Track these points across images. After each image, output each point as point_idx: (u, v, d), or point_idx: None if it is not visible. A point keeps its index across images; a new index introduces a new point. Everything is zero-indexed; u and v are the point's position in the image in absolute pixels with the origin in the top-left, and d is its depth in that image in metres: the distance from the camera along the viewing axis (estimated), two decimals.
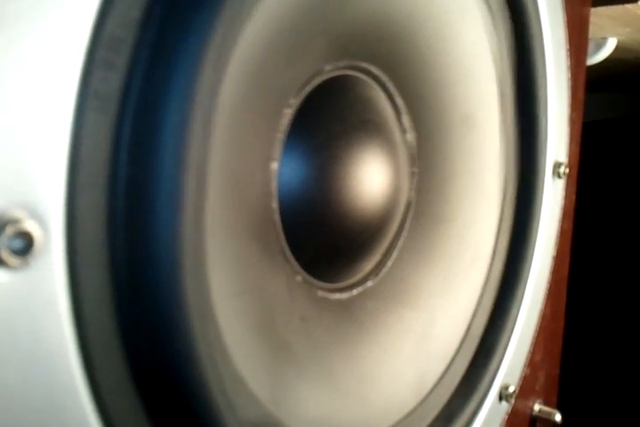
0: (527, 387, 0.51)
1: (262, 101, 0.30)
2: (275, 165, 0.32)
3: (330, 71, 0.35)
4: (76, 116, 0.20)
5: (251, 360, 0.28)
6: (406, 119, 0.39)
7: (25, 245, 0.18)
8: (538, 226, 0.46)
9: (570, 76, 0.50)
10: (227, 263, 0.28)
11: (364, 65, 0.36)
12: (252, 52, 0.27)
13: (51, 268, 0.19)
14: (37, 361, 0.19)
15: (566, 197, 0.52)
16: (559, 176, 0.49)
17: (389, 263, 0.41)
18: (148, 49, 0.21)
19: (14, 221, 0.18)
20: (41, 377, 0.20)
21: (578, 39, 0.53)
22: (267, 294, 0.31)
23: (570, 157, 0.51)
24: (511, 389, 0.45)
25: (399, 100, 0.39)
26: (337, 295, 0.37)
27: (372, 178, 0.36)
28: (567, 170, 0.50)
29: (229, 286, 0.28)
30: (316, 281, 0.36)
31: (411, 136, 0.40)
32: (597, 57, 0.79)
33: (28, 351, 0.19)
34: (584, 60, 0.55)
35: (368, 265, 0.39)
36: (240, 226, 0.29)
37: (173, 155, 0.21)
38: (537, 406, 0.52)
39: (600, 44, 0.77)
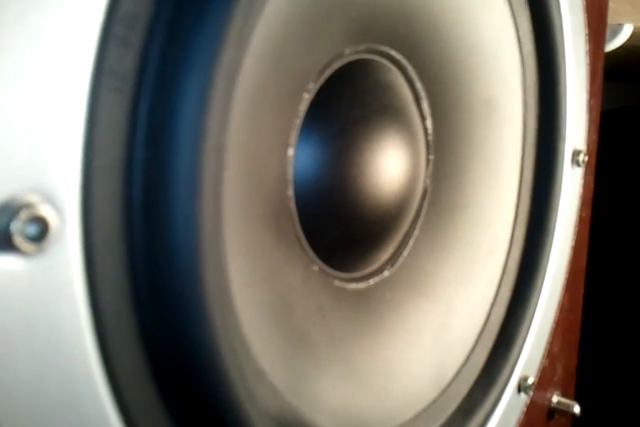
0: (545, 379, 0.50)
1: (281, 85, 0.30)
2: (291, 151, 0.31)
3: (349, 55, 0.34)
4: (91, 97, 0.19)
5: (269, 351, 0.27)
6: (426, 105, 0.38)
7: (40, 231, 0.18)
8: (557, 214, 0.45)
9: (588, 61, 0.49)
10: (243, 251, 0.27)
11: (384, 49, 0.35)
12: (271, 34, 0.26)
13: (66, 254, 0.18)
14: (53, 351, 0.19)
15: (584, 186, 0.51)
16: (578, 164, 0.48)
17: (406, 252, 0.40)
18: (164, 26, 0.20)
19: (28, 206, 0.17)
20: (57, 367, 0.19)
21: (596, 24, 0.51)
22: (283, 283, 0.30)
23: (588, 144, 0.50)
24: (530, 380, 0.45)
25: (419, 85, 0.38)
26: (354, 285, 0.36)
27: (390, 165, 0.35)
28: (586, 158, 0.49)
29: (246, 275, 0.27)
30: (332, 271, 0.35)
31: (429, 122, 0.39)
32: (613, 44, 0.77)
33: (44, 341, 0.19)
34: (602, 45, 0.54)
35: (384, 254, 0.39)
36: (255, 213, 0.28)
37: (192, 137, 0.20)
38: (555, 398, 0.51)
39: (616, 31, 0.76)
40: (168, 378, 0.22)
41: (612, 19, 0.71)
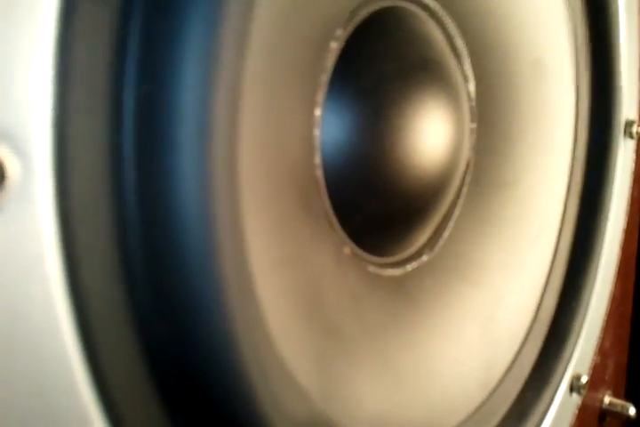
0: (596, 377, 0.45)
1: (305, 30, 0.25)
2: (318, 112, 0.26)
3: (380, 0, 0.29)
4: (63, 12, 0.14)
5: (297, 346, 0.22)
6: (467, 65, 0.33)
7: None
8: (612, 191, 0.40)
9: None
10: (264, 225, 0.22)
11: None
12: None
13: (33, 214, 0.14)
14: (19, 345, 0.14)
15: (636, 161, 0.46)
16: (631, 136, 0.43)
17: (446, 235, 0.35)
18: None
19: None
20: (25, 370, 0.14)
21: None
22: (311, 267, 0.25)
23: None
24: (584, 379, 0.40)
25: (459, 42, 0.33)
26: (389, 271, 0.31)
27: (431, 130, 0.30)
28: (639, 129, 0.44)
29: (269, 256, 0.22)
30: (365, 254, 0.30)
31: (472, 85, 0.34)
32: None
33: (6, 332, 0.14)
34: None
35: (422, 237, 0.34)
36: (277, 181, 0.24)
37: (201, 69, 0.15)
38: (607, 399, 0.46)
39: None
40: (171, 382, 0.17)
41: None
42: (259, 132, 0.22)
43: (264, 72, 0.22)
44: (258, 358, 0.19)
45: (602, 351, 0.45)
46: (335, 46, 0.26)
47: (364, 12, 0.28)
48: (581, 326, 0.39)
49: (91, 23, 0.15)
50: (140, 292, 0.16)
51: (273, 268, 0.22)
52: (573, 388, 0.39)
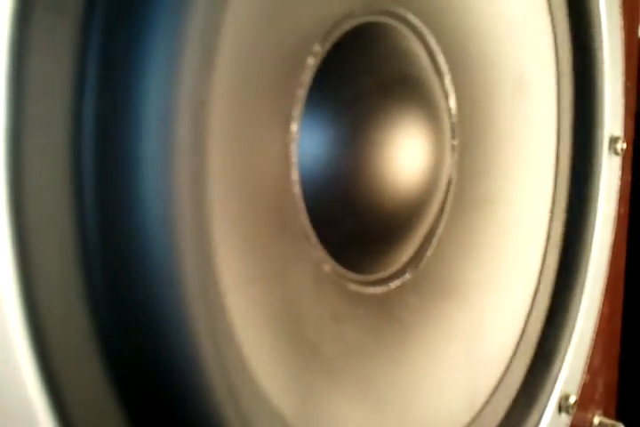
0: (585, 396, 0.44)
1: (280, 45, 0.24)
2: (295, 127, 0.26)
3: (361, 16, 0.28)
4: (16, 22, 0.14)
5: (273, 367, 0.22)
6: (448, 81, 0.33)
7: None
8: (596, 208, 0.40)
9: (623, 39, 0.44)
10: (237, 243, 0.21)
11: (401, 11, 0.30)
12: None
13: None
14: None
15: (622, 178, 0.45)
16: (616, 152, 0.43)
17: (429, 252, 0.34)
18: None
19: None
20: None
21: (630, 2, 0.46)
22: (289, 285, 0.25)
23: (624, 132, 0.45)
24: (572, 399, 0.39)
25: (440, 58, 0.33)
26: (372, 289, 0.30)
27: (409, 147, 0.30)
28: (624, 145, 0.43)
29: (243, 274, 0.21)
30: (346, 272, 0.29)
31: (453, 101, 0.34)
32: None
33: None
34: (636, 24, 0.49)
35: (405, 254, 0.33)
36: (252, 198, 0.23)
37: (163, 82, 0.15)
38: (597, 419, 0.45)
39: None
40: (137, 402, 0.16)
41: None
42: (230, 146, 0.22)
43: (236, 86, 0.22)
44: (228, 380, 0.18)
45: (591, 370, 0.44)
46: (312, 62, 0.26)
47: (343, 28, 0.28)
48: (569, 345, 0.38)
49: (46, 33, 0.14)
50: (103, 311, 0.16)
51: (246, 286, 0.21)
52: (562, 408, 0.39)
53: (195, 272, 0.16)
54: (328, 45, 0.27)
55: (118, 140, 0.15)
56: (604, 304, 0.45)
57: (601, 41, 0.39)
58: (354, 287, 0.29)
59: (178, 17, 0.15)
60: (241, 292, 0.21)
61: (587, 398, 0.45)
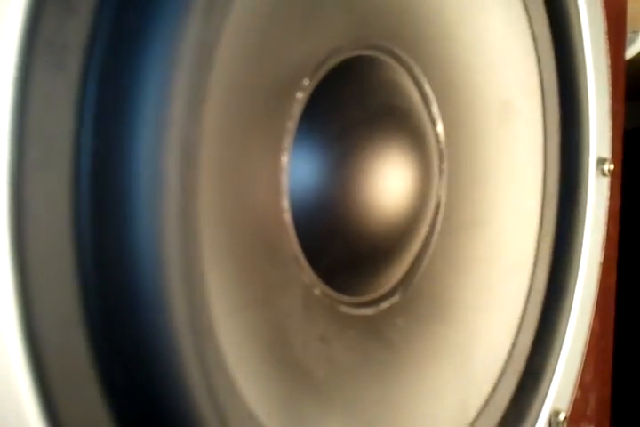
0: (577, 412, 0.45)
1: (270, 82, 0.26)
2: (285, 158, 0.27)
3: (349, 50, 0.30)
4: (20, 75, 0.15)
5: (263, 391, 0.23)
6: (436, 109, 0.34)
7: None
8: (584, 228, 0.41)
9: (609, 63, 0.45)
10: (227, 271, 0.23)
11: (388, 45, 0.31)
12: (256, 15, 0.23)
13: None
14: None
15: (611, 198, 0.47)
16: (604, 174, 0.44)
17: (419, 274, 0.35)
18: None
19: None
20: None
21: (615, 24, 0.48)
22: (279, 309, 0.26)
23: (613, 153, 0.46)
24: (562, 415, 0.40)
25: (427, 87, 0.34)
26: (361, 311, 0.32)
27: (396, 175, 0.31)
28: (612, 166, 0.44)
29: (233, 300, 0.23)
30: (336, 294, 0.30)
31: (441, 128, 0.35)
32: (627, 53, 0.74)
33: None
34: (623, 47, 0.50)
35: (395, 276, 0.34)
36: (244, 227, 0.24)
37: (153, 127, 0.16)
38: None
39: (631, 39, 0.72)
40: None
41: (629, 26, 0.68)
42: (221, 179, 0.23)
43: (227, 123, 0.23)
44: (218, 405, 0.19)
45: (583, 386, 0.45)
46: (301, 96, 0.27)
47: (331, 62, 0.29)
48: (558, 363, 0.39)
49: (49, 86, 0.16)
50: (99, 339, 0.17)
51: (236, 313, 0.22)
52: (552, 424, 0.40)
53: (184, 303, 0.17)
54: (317, 80, 0.28)
55: (110, 184, 0.16)
56: (595, 321, 0.46)
57: (584, 66, 0.41)
58: (344, 309, 0.30)
59: (166, 70, 0.16)
60: (231, 318, 0.22)
61: (579, 414, 0.46)
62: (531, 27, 0.38)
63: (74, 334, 0.16)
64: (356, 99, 0.30)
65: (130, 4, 0.16)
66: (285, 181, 0.27)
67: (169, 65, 0.17)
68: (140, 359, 0.17)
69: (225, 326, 0.21)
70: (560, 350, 0.39)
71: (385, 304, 0.33)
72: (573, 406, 0.44)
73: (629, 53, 0.73)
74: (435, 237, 0.36)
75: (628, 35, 0.69)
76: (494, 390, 0.35)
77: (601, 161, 0.44)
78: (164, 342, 0.17)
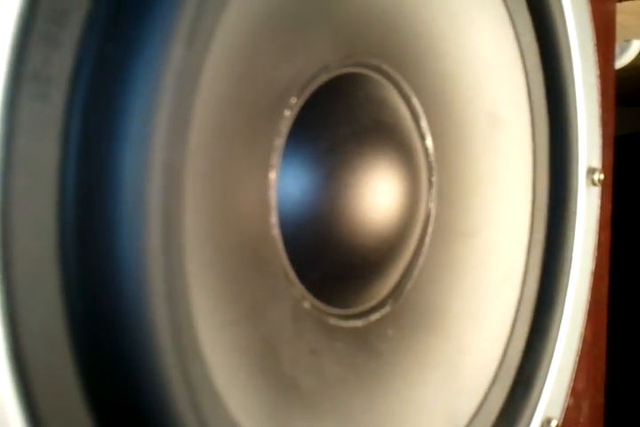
0: (570, 419, 0.45)
1: (257, 101, 0.26)
2: (273, 174, 0.27)
3: (336, 68, 0.30)
4: (6, 107, 0.16)
5: (250, 403, 0.23)
6: (424, 123, 0.35)
7: None
8: (573, 237, 0.41)
9: (598, 72, 0.46)
10: (216, 288, 0.23)
11: (375, 62, 0.32)
12: (241, 39, 0.23)
13: None
14: None
15: (602, 207, 0.47)
16: (594, 183, 0.45)
17: (409, 285, 0.36)
18: (102, 23, 0.17)
19: None
20: None
21: (604, 33, 0.48)
22: (267, 323, 0.26)
23: (603, 162, 0.47)
24: (554, 423, 0.40)
25: (415, 102, 0.35)
26: (351, 323, 0.32)
27: (385, 187, 0.32)
28: (602, 176, 0.45)
29: (220, 316, 0.23)
30: (326, 307, 0.31)
31: (430, 142, 0.36)
32: (620, 62, 0.74)
33: None
34: (612, 55, 0.50)
35: (385, 287, 0.35)
36: (232, 243, 0.25)
37: (135, 151, 0.17)
38: None
39: (624, 48, 0.73)
40: None
41: (618, 35, 0.69)
42: (209, 198, 0.24)
43: (213, 142, 0.24)
44: (202, 415, 0.20)
45: (575, 393, 0.46)
46: (289, 113, 0.28)
47: (318, 81, 0.29)
48: (549, 370, 0.40)
49: (35, 117, 0.16)
50: (85, 359, 0.18)
51: (224, 328, 0.23)
52: None
53: (167, 321, 0.18)
54: (304, 97, 0.29)
55: (96, 210, 0.17)
56: (587, 328, 0.47)
57: (572, 77, 0.41)
58: (333, 322, 0.31)
59: (148, 99, 0.17)
60: (219, 333, 0.23)
61: (572, 422, 0.46)
62: (517, 39, 0.39)
63: (60, 353, 0.17)
64: (343, 115, 0.30)
65: (114, 35, 0.17)
66: (274, 197, 0.28)
67: (151, 94, 0.17)
68: (125, 375, 0.18)
69: (212, 341, 0.22)
70: (551, 358, 0.40)
71: (375, 316, 0.33)
72: (566, 414, 0.44)
73: (622, 61, 0.74)
74: (425, 249, 0.37)
75: (621, 43, 0.70)
76: (484, 399, 0.36)
77: (591, 171, 0.45)
78: (147, 360, 0.17)
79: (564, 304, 0.41)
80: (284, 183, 0.28)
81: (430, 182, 0.36)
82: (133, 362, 0.17)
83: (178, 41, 0.17)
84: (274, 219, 0.28)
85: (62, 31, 0.16)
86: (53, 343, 0.17)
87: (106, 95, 0.17)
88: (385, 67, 0.33)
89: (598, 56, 0.47)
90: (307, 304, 0.29)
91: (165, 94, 0.18)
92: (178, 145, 0.19)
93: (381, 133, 0.32)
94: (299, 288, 0.29)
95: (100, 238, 0.17)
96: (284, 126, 0.28)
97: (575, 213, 0.41)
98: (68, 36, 0.17)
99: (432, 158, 0.36)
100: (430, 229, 0.37)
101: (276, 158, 0.28)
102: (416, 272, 0.36)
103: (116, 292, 0.17)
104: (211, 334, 0.22)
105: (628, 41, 0.72)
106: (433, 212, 0.37)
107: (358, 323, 0.32)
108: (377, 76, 0.33)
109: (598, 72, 0.46)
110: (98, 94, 0.17)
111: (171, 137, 0.18)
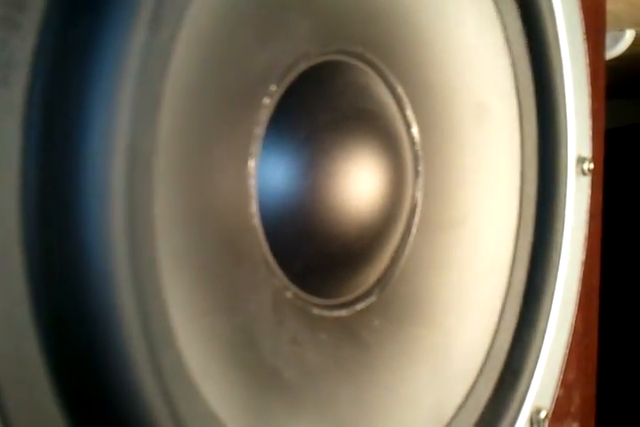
0: (561, 409, 0.45)
1: (235, 88, 0.26)
2: (252, 163, 0.27)
3: (317, 56, 0.30)
4: None
5: (227, 393, 0.23)
6: (410, 112, 0.35)
7: None
8: (562, 227, 0.41)
9: (588, 61, 0.45)
10: (193, 277, 0.23)
11: (358, 49, 0.32)
12: (214, 22, 0.23)
13: None
14: None
15: (592, 197, 0.47)
16: (584, 173, 0.44)
17: (396, 274, 0.36)
18: (64, 5, 0.17)
19: None
20: None
21: (595, 22, 0.48)
22: (247, 312, 0.26)
23: (594, 151, 0.46)
24: (543, 413, 0.40)
25: (401, 91, 0.34)
26: (336, 313, 0.32)
27: (368, 176, 0.31)
28: (592, 165, 0.45)
29: (197, 305, 0.23)
30: (310, 297, 0.31)
31: (416, 131, 0.35)
32: (614, 51, 0.74)
33: None
34: (602, 45, 0.50)
35: (371, 277, 0.35)
36: (210, 232, 0.25)
37: (97, 136, 0.17)
38: None
39: (617, 37, 0.72)
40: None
41: (611, 24, 0.68)
42: (184, 187, 0.23)
43: (188, 130, 0.23)
44: (174, 406, 0.19)
45: (566, 384, 0.46)
46: (268, 101, 0.28)
47: (298, 69, 0.29)
48: (538, 361, 0.40)
49: None
50: (52, 351, 0.17)
51: (200, 317, 0.23)
52: (533, 422, 0.40)
53: (135, 308, 0.18)
54: (284, 85, 0.29)
55: (59, 197, 0.16)
56: (577, 319, 0.46)
57: (560, 66, 0.41)
58: (317, 311, 0.31)
59: (111, 81, 0.17)
60: (195, 323, 0.22)
61: (562, 412, 0.46)
62: (504, 28, 0.38)
63: (26, 342, 0.17)
64: (325, 103, 0.30)
65: (76, 17, 0.17)
66: (254, 186, 0.27)
67: (113, 77, 0.17)
68: (93, 364, 0.17)
69: (188, 331, 0.22)
70: (540, 348, 0.40)
71: (360, 306, 0.33)
72: (557, 404, 0.44)
73: (616, 51, 0.73)
74: (411, 238, 0.36)
75: (615, 33, 0.69)
76: (472, 389, 0.35)
77: (581, 160, 0.44)
78: (114, 349, 0.17)
79: (552, 295, 0.41)
80: (265, 172, 0.28)
81: (417, 171, 0.36)
82: (101, 351, 0.17)
83: (140, 24, 0.17)
84: (254, 208, 0.27)
85: (22, 13, 0.16)
86: (18, 332, 0.17)
87: (68, 80, 0.17)
88: (369, 55, 0.32)
89: (588, 45, 0.46)
90: (289, 294, 0.29)
91: (128, 78, 0.18)
92: (144, 130, 0.18)
93: (365, 121, 0.31)
94: (280, 278, 0.29)
95: (64, 225, 0.17)
96: (264, 114, 0.28)
97: (565, 203, 0.41)
98: (27, 18, 0.16)
99: (418, 147, 0.36)
100: (417, 219, 0.36)
101: (255, 146, 0.27)
102: (402, 262, 0.36)
103: (80, 279, 0.17)
104: (186, 323, 0.22)
105: (621, 30, 0.72)
106: (419, 201, 0.36)
107: (343, 313, 0.32)
108: (360, 64, 0.32)
109: (588, 61, 0.46)
110: (60, 79, 0.17)
111: (136, 122, 0.18)
